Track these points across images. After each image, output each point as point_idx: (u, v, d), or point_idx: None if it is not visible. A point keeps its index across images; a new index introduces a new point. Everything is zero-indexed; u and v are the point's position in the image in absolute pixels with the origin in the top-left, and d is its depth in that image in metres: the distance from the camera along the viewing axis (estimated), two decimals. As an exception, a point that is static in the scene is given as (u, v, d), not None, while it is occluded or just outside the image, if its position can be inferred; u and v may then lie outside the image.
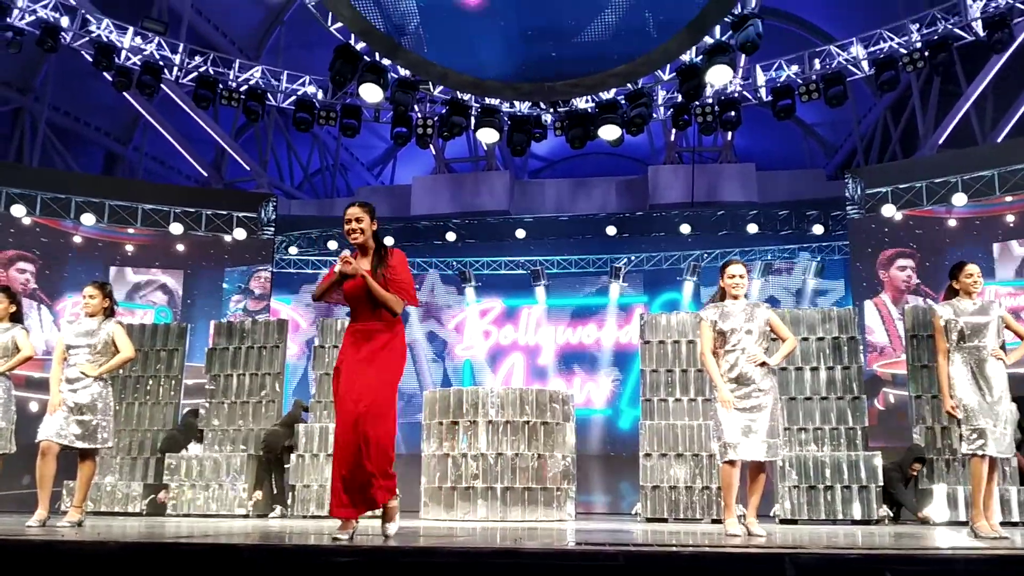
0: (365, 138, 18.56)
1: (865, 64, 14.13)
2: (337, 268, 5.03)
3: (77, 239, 16.10)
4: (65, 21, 14.24)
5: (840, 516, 9.92)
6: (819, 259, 17.26)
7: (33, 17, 13.90)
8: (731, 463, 6.14)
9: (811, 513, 9.97)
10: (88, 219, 15.70)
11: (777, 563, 3.55)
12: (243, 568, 3.71)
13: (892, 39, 13.82)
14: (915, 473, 10.26)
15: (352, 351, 5.04)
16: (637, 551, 3.81)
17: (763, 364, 6.19)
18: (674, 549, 3.95)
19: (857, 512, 9.87)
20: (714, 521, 10.08)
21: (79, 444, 6.48)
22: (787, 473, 10.03)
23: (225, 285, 16.75)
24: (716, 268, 17.48)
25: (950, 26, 13.33)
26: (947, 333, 6.27)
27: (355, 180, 22.35)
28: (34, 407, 12.38)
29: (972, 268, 6.34)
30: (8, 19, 13.54)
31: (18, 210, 15.27)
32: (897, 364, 14.20)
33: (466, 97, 14.69)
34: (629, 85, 14.09)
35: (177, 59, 15.08)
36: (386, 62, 13.86)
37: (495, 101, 14.69)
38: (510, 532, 6.51)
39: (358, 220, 5.11)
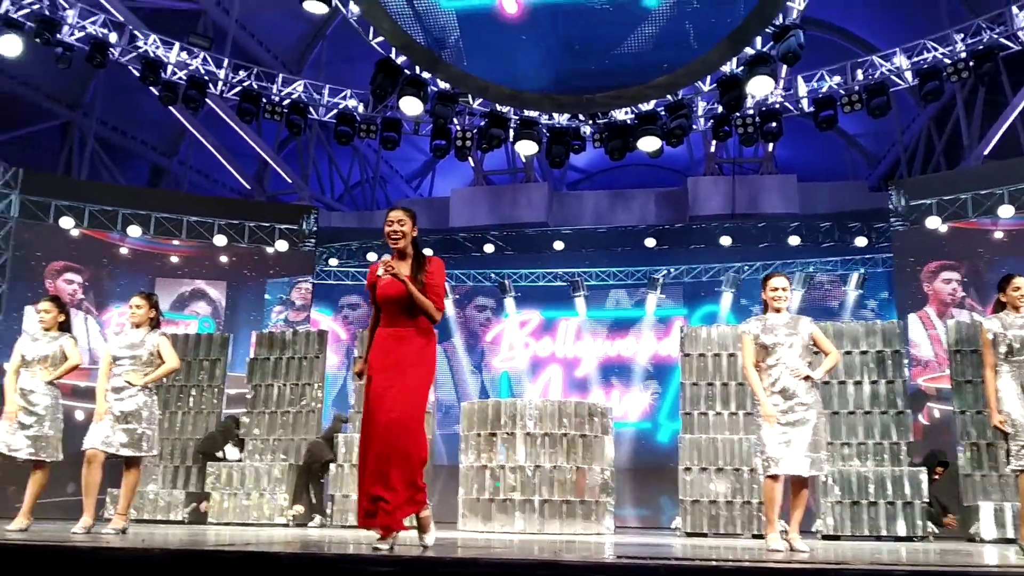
0: (404, 151, 18.68)
1: (909, 74, 13.95)
2: (379, 271, 5.01)
3: (123, 250, 16.40)
4: (113, 37, 14.53)
5: (884, 532, 9.75)
6: (862, 271, 17.03)
7: (83, 33, 14.20)
8: (774, 477, 6.06)
9: (854, 529, 9.82)
10: (134, 231, 15.98)
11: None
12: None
13: (936, 49, 13.64)
14: (937, 477, 10.11)
15: (381, 356, 4.96)
16: (678, 565, 3.78)
17: (807, 378, 6.12)
18: (715, 563, 3.91)
19: (901, 528, 9.70)
20: (755, 536, 9.96)
21: (124, 452, 6.58)
22: (830, 488, 9.89)
23: (267, 296, 16.96)
24: (757, 280, 17.43)
25: (995, 35, 13.13)
26: (995, 347, 6.17)
27: (394, 192, 22.51)
28: (80, 416, 12.59)
29: (1020, 281, 6.24)
30: (58, 35, 13.85)
31: (67, 222, 15.60)
32: (942, 378, 13.95)
33: (505, 109, 14.74)
34: (669, 96, 14.05)
35: (222, 74, 15.31)
36: (426, 75, 13.96)
37: (534, 113, 14.71)
38: (548, 545, 6.49)
39: (400, 222, 5.10)
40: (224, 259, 16.85)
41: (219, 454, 11.48)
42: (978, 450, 10.15)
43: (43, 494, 6.91)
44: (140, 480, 7.47)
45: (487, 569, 3.82)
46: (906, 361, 10.90)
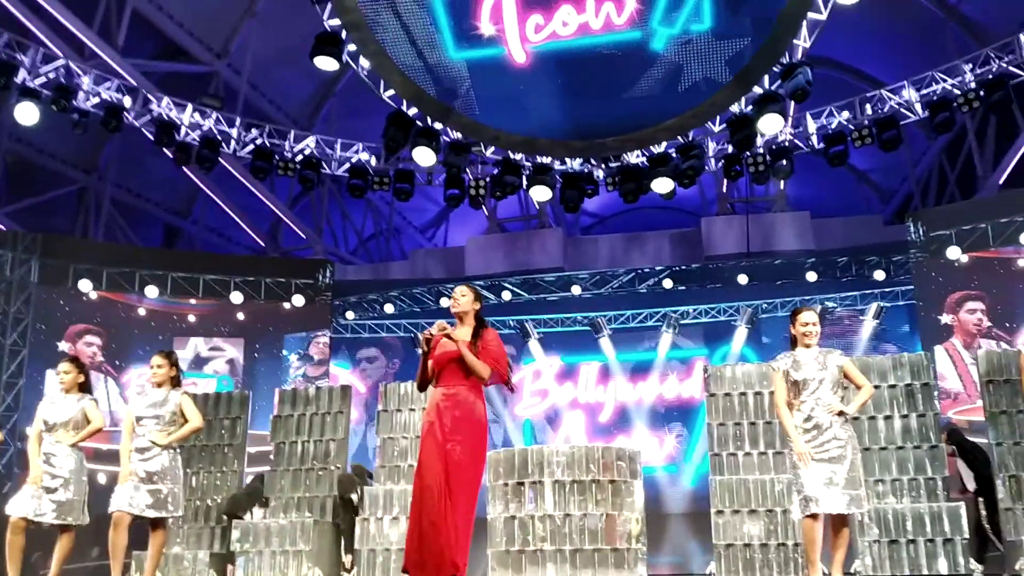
0: (417, 201, 18.77)
1: (918, 107, 13.96)
2: (434, 329, 5.53)
3: (141, 311, 16.44)
4: (127, 101, 14.72)
5: (925, 571, 9.50)
6: (880, 303, 16.88)
7: (97, 99, 14.40)
8: (813, 517, 5.92)
9: (894, 568, 9.57)
10: (152, 291, 16.04)
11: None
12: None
13: (945, 80, 13.66)
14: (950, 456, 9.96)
15: (438, 420, 5.41)
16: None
17: (840, 413, 6.01)
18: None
19: (943, 566, 9.44)
20: (791, 579, 9.74)
21: (150, 513, 6.49)
22: (867, 527, 9.66)
23: (285, 352, 16.93)
24: (775, 319, 17.37)
25: (1004, 64, 13.15)
26: (1034, 374, 6.05)
27: (408, 243, 22.57)
28: (102, 479, 12.52)
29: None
30: (74, 101, 14.04)
31: (85, 285, 15.67)
32: (973, 411, 13.73)
33: (518, 156, 14.80)
34: (680, 138, 14.08)
35: (234, 132, 15.48)
36: (438, 126, 14.05)
37: (547, 159, 14.76)
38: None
39: (463, 294, 5.76)
40: (241, 316, 16.86)
41: (246, 516, 11.35)
42: (1018, 483, 9.88)
43: (68, 559, 6.81)
44: (167, 541, 7.38)
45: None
46: (936, 394, 10.70)
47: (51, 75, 13.97)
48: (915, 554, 9.54)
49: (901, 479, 10.05)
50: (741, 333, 17.49)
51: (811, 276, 16.86)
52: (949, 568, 9.44)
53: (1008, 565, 9.73)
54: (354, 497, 11.17)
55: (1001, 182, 15.98)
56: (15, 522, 6.59)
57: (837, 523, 6.01)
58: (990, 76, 13.16)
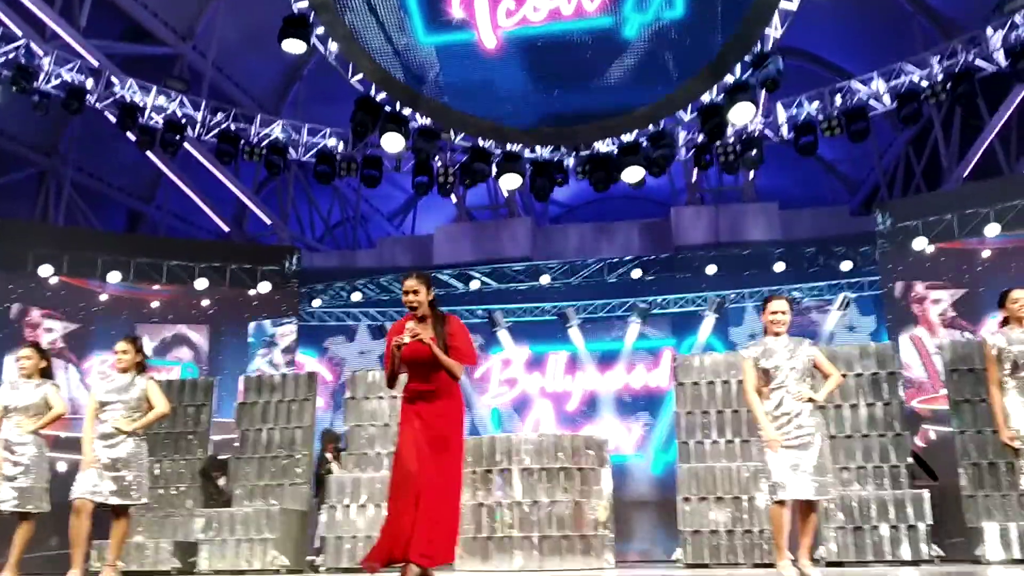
0: (385, 189, 18.61)
1: (887, 98, 14.05)
2: (405, 338, 5.35)
3: (103, 297, 16.14)
4: (90, 83, 14.43)
5: (889, 557, 9.59)
6: (846, 294, 17.02)
7: (59, 80, 14.09)
8: (781, 503, 5.95)
9: (858, 555, 9.65)
10: (114, 277, 15.73)
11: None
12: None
13: (913, 72, 13.77)
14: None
15: (415, 419, 5.36)
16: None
17: (810, 400, 6.03)
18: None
19: (906, 553, 9.55)
20: (756, 565, 9.79)
21: (114, 500, 6.37)
22: (832, 514, 9.75)
23: (251, 339, 16.72)
24: (742, 308, 17.47)
25: (971, 57, 13.27)
26: (1000, 362, 6.13)
27: (376, 231, 22.39)
28: (62, 467, 12.28)
29: (1018, 294, 6.24)
30: (35, 83, 13.73)
31: (45, 270, 15.34)
32: (936, 400, 13.91)
33: (488, 143, 14.71)
34: (651, 127, 14.07)
35: (199, 116, 15.22)
36: (407, 111, 13.93)
37: (517, 147, 14.69)
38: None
39: (415, 292, 5.47)
40: (206, 303, 16.62)
41: (219, 481, 11.35)
42: (979, 470, 10.03)
43: (27, 549, 6.66)
44: (130, 529, 7.25)
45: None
46: (901, 383, 10.81)
47: (11, 55, 13.64)
48: (879, 540, 9.65)
49: (866, 467, 10.15)
50: (709, 322, 17.57)
51: (779, 266, 16.96)
52: (912, 554, 9.55)
53: (969, 550, 9.87)
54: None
55: (965, 175, 16.16)
56: (-28, 509, 6.45)
57: (805, 509, 6.05)
58: (956, 69, 13.27)
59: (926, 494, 9.74)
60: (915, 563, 9.45)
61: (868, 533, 9.70)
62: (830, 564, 9.61)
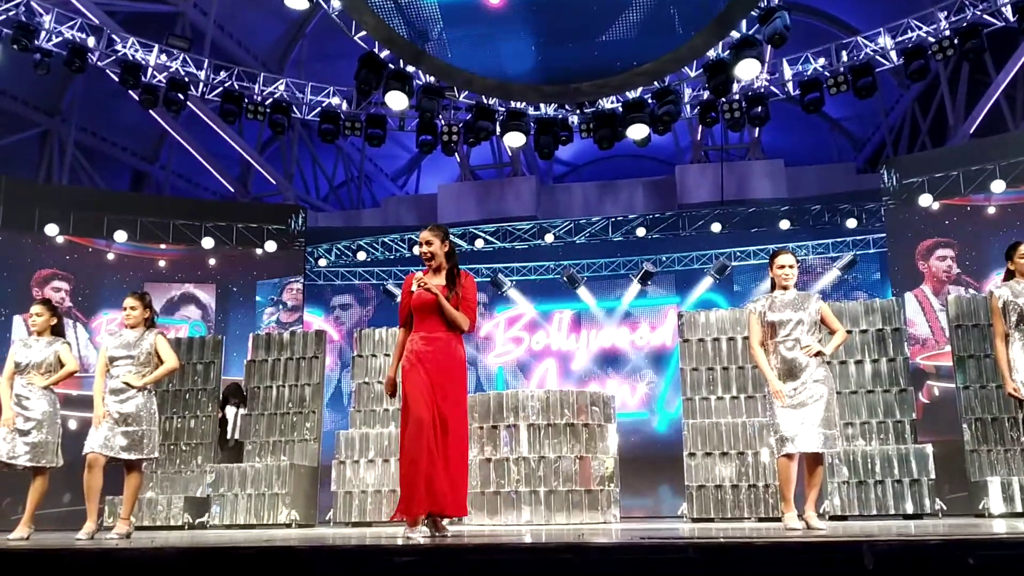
0: (389, 148, 18.54)
1: (893, 54, 13.93)
2: (414, 287, 5.41)
3: (110, 256, 16.19)
4: (92, 41, 14.32)
5: (892, 511, 9.71)
6: (851, 255, 17.00)
7: (60, 39, 13.99)
8: (788, 456, 5.98)
9: (862, 508, 9.77)
10: (120, 236, 15.77)
11: (855, 551, 3.41)
12: (305, 571, 3.62)
13: (920, 28, 13.63)
14: None
15: (420, 368, 5.34)
16: (707, 543, 3.68)
17: (818, 354, 6.05)
18: (746, 540, 3.82)
19: (909, 507, 9.66)
20: (760, 519, 9.90)
21: (125, 455, 6.42)
22: (837, 469, 9.84)
23: (258, 298, 16.78)
24: (748, 266, 17.46)
25: (979, 12, 13.13)
26: (1005, 315, 6.14)
27: (380, 191, 22.36)
28: (73, 425, 12.41)
29: (1026, 247, 6.21)
30: (36, 41, 13.64)
31: (52, 229, 15.36)
32: (940, 356, 13.97)
33: (492, 101, 14.63)
34: (656, 83, 13.98)
35: (202, 75, 15.13)
36: (411, 69, 13.83)
37: (521, 104, 14.61)
38: (559, 534, 6.38)
39: (428, 243, 5.48)
40: (213, 262, 16.67)
41: (231, 410, 11.56)
42: (983, 425, 10.11)
43: (40, 504, 6.74)
44: (143, 483, 7.33)
45: (514, 554, 3.71)
46: (905, 339, 10.85)
47: (11, 12, 13.53)
48: (883, 494, 9.75)
49: (870, 422, 10.23)
50: (706, 282, 17.57)
51: (784, 224, 16.94)
52: (915, 508, 9.66)
53: (972, 505, 9.97)
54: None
55: (971, 131, 16.07)
56: (-13, 464, 6.52)
57: (812, 462, 6.08)
58: (964, 24, 13.13)
59: (929, 449, 9.83)
60: (918, 516, 9.56)
61: (872, 487, 9.80)
62: (834, 518, 9.71)
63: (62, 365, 6.81)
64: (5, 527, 7.61)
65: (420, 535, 4.93)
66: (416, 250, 5.63)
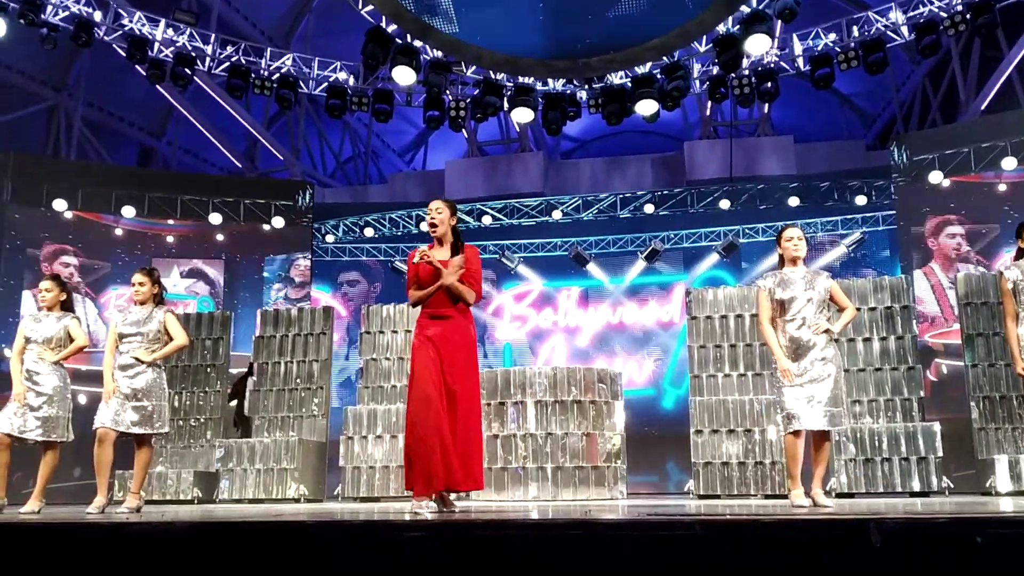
0: (396, 124, 18.49)
1: (904, 29, 13.80)
2: (416, 258, 5.45)
3: (118, 232, 16.22)
4: (98, 16, 14.27)
5: (899, 488, 9.73)
6: (860, 232, 16.92)
7: (66, 13, 13.94)
8: (795, 434, 5.98)
9: (868, 486, 9.79)
10: (128, 211, 15.78)
11: (862, 529, 3.41)
12: (314, 545, 3.65)
13: (932, 3, 13.48)
14: None
15: (429, 344, 5.38)
16: (714, 520, 3.69)
17: (826, 331, 6.02)
18: (754, 517, 3.83)
19: (916, 484, 9.68)
20: (766, 496, 9.93)
21: (136, 430, 6.46)
22: (844, 446, 9.85)
23: (266, 274, 16.81)
24: (756, 244, 17.40)
25: (992, -14, 12.98)
26: (1015, 295, 6.10)
27: (387, 167, 22.31)
28: (82, 399, 12.47)
29: (1039, 227, 6.17)
30: (43, 15, 13.59)
31: (59, 204, 15.38)
32: (949, 334, 13.94)
33: (499, 76, 14.55)
34: (665, 58, 13.88)
35: (209, 50, 15.08)
36: (418, 44, 13.76)
37: (529, 80, 14.53)
38: (567, 510, 6.41)
39: (438, 211, 5.58)
40: (220, 237, 16.68)
41: (250, 384, 11.60)
42: (991, 403, 10.10)
43: (51, 479, 6.79)
44: (153, 458, 7.38)
45: (523, 530, 3.72)
46: (914, 317, 10.82)
47: (17, -13, 13.48)
48: (890, 472, 9.76)
49: (878, 400, 10.23)
50: (711, 259, 17.52)
51: (793, 201, 16.87)
52: (922, 486, 9.67)
53: (979, 483, 9.98)
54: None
55: (983, 108, 15.94)
56: (-1, 438, 6.56)
57: (818, 440, 6.07)
58: (977, -1, 13.00)
59: (937, 427, 9.83)
60: (925, 494, 9.57)
61: (879, 465, 9.81)
62: (841, 495, 9.73)
63: (72, 340, 6.83)
64: (16, 501, 7.65)
65: (428, 510, 4.96)
66: (425, 220, 5.69)
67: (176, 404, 11.53)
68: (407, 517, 4.47)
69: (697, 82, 15.18)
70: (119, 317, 6.76)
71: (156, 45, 14.67)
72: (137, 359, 6.50)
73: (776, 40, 14.00)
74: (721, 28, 13.31)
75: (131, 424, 6.44)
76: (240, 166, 19.58)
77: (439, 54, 13.99)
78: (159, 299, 6.82)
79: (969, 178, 14.70)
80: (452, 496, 5.49)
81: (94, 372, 12.50)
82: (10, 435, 6.54)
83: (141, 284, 6.72)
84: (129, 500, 6.54)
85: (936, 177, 14.74)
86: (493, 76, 14.49)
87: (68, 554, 3.69)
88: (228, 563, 3.55)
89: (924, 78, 18.38)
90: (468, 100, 15.22)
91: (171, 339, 6.67)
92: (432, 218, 5.57)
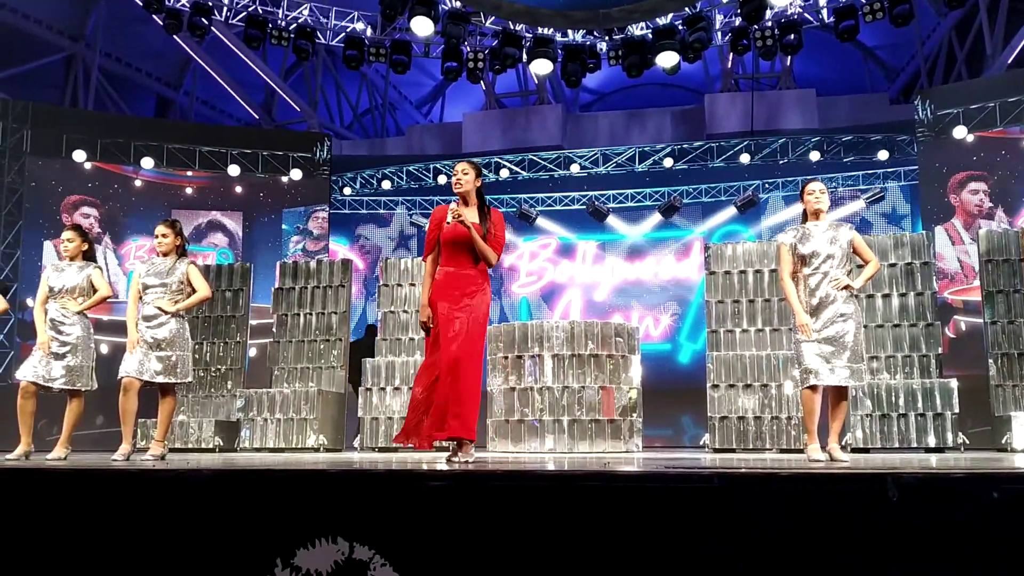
0: (413, 75, 18.33)
1: (933, -20, 13.54)
2: (449, 218, 5.57)
3: (138, 183, 16.27)
4: (115, -36, 14.19)
5: (914, 444, 9.76)
6: (877, 188, 16.74)
7: (83, -39, 13.87)
8: (813, 388, 5.98)
9: (884, 442, 9.83)
10: (148, 163, 15.82)
11: (879, 483, 3.43)
12: (337, 492, 3.70)
13: (962, -48, 13.20)
14: None
15: (447, 297, 5.56)
16: (732, 473, 3.72)
17: (847, 287, 5.99)
18: (771, 471, 3.86)
19: (932, 440, 9.71)
20: (782, 451, 9.99)
21: (160, 379, 6.55)
22: (860, 401, 9.87)
23: (284, 226, 16.85)
24: (776, 198, 17.28)
25: (1024, -64, 12.69)
26: (1039, 251, 6.05)
27: (404, 119, 22.18)
28: (104, 349, 12.62)
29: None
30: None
31: (79, 155, 15.43)
32: (968, 291, 13.85)
33: (518, 28, 14.39)
34: (687, 9, 13.68)
35: (226, -1, 14.99)
36: (437, -6, 13.62)
37: (548, 31, 14.37)
38: (583, 462, 6.47)
39: (464, 172, 5.74)
40: (239, 189, 16.71)
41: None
42: (1009, 360, 10.09)
43: (76, 426, 6.89)
44: (176, 407, 7.48)
45: (541, 481, 3.77)
46: (934, 273, 10.75)
47: (34, -65, 13.40)
48: (906, 428, 9.78)
49: (896, 356, 10.22)
50: (726, 213, 17.42)
51: (815, 155, 16.70)
52: (938, 442, 9.70)
53: (995, 439, 10.00)
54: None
55: (1010, 62, 15.64)
56: (25, 386, 6.65)
57: (836, 395, 6.07)
58: (1008, -52, 12.71)
59: (954, 383, 9.82)
60: (940, 450, 9.60)
61: (895, 420, 9.84)
62: (856, 450, 9.78)
63: (95, 290, 6.90)
64: (42, 447, 7.79)
65: (471, 458, 5.31)
66: (452, 181, 5.81)
67: (197, 355, 11.65)
68: (441, 467, 4.54)
69: (719, 34, 14.98)
70: (142, 268, 6.82)
71: (173, -6, 14.58)
72: (160, 309, 6.58)
73: (801, -10, 13.77)
74: (745, -22, 13.09)
75: (155, 373, 6.54)
76: (257, 117, 19.53)
77: (457, 4, 13.86)
78: (182, 250, 6.88)
79: (994, 133, 14.49)
80: (472, 448, 5.57)
81: (116, 322, 12.65)
82: (35, 383, 6.64)
83: (164, 235, 6.78)
84: (153, 448, 6.65)
85: (960, 132, 14.54)
86: (512, 27, 14.33)
87: (96, 500, 3.77)
88: (252, 510, 3.62)
89: (950, 31, 18.00)
90: (486, 51, 15.08)
91: (194, 290, 6.73)
92: (459, 179, 5.71)
